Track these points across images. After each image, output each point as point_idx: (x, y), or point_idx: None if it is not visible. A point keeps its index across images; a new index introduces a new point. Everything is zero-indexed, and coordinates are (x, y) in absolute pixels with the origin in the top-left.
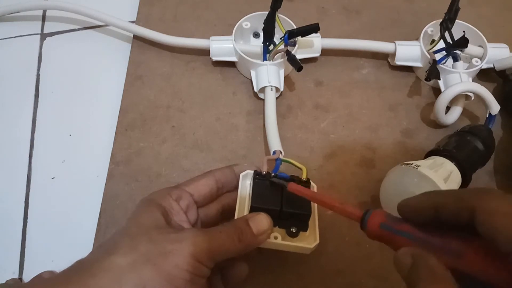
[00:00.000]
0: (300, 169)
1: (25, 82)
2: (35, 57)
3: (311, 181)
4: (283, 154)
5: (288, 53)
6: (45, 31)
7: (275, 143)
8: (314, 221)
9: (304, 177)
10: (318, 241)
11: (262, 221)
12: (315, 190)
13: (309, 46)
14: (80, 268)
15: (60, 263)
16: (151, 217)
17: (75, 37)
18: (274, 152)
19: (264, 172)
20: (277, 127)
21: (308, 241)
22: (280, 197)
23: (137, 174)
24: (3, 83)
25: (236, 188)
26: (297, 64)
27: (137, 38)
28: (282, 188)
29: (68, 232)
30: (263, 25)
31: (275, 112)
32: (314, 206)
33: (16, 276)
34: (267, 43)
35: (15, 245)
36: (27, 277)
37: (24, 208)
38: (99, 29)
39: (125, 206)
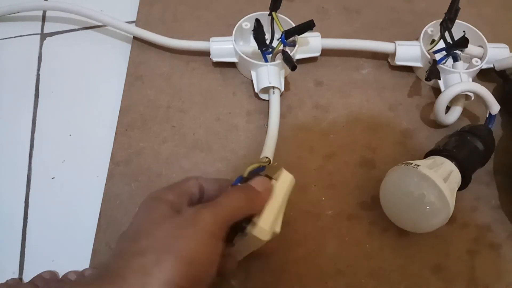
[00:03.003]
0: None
1: (25, 82)
2: (35, 57)
3: (284, 170)
4: (270, 162)
5: (283, 52)
6: (45, 31)
7: (268, 150)
8: (273, 210)
9: (245, 174)
10: (275, 230)
11: (261, 180)
12: (283, 176)
13: (309, 45)
14: (107, 272)
15: (60, 263)
16: (161, 212)
17: (75, 37)
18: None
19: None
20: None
21: (262, 232)
22: None
23: (137, 174)
24: (3, 83)
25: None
26: (291, 63)
27: (137, 38)
28: None
29: (68, 232)
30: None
31: (278, 116)
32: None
33: (16, 276)
34: (263, 48)
35: (15, 245)
36: (27, 277)
37: (24, 208)
38: (99, 29)
39: (125, 206)
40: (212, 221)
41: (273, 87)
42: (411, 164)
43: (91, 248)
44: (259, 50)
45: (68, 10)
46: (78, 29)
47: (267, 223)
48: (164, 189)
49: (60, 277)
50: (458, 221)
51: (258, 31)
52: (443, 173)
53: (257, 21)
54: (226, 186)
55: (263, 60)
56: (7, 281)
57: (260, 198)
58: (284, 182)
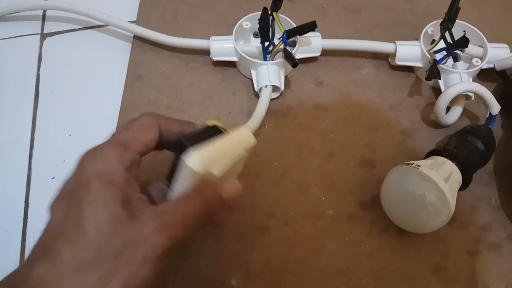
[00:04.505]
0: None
1: (25, 82)
2: (35, 57)
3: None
4: (227, 132)
5: (284, 50)
6: (45, 31)
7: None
8: (216, 148)
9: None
10: (211, 169)
11: (231, 185)
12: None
13: (309, 45)
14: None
15: None
16: (108, 209)
17: (75, 37)
18: None
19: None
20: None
21: (193, 159)
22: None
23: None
24: (3, 83)
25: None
26: (292, 60)
27: (137, 38)
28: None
29: None
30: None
31: (266, 107)
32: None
33: None
34: (266, 44)
35: (15, 245)
36: None
37: (24, 208)
38: (99, 29)
39: None
40: (165, 248)
41: (268, 85)
42: (412, 164)
43: None
44: (259, 50)
45: (69, 9)
46: (78, 29)
47: (202, 153)
48: (112, 158)
49: None
50: (458, 221)
51: (263, 21)
52: (444, 174)
53: (265, 10)
54: (189, 129)
55: (263, 57)
56: None
57: (225, 209)
58: (240, 134)
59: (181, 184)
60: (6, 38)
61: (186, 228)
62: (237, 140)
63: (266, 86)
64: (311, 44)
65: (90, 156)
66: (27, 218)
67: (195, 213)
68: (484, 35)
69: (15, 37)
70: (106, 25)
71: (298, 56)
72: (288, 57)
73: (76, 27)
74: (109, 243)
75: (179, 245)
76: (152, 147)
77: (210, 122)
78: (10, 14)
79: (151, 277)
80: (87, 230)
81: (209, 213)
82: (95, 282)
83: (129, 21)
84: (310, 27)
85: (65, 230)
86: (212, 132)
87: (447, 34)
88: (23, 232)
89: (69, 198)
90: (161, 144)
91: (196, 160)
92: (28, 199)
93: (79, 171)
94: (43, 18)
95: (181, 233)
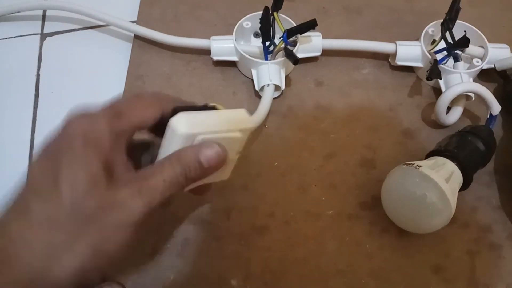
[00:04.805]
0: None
1: (25, 82)
2: (35, 57)
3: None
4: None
5: (285, 48)
6: (45, 31)
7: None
8: (206, 118)
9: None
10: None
11: (215, 151)
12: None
13: (310, 44)
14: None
15: None
16: (86, 170)
17: (75, 37)
18: None
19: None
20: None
21: (179, 121)
22: None
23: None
24: (3, 83)
25: None
26: (293, 57)
27: (137, 38)
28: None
29: None
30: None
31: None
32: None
33: None
34: (267, 43)
35: None
36: None
37: None
38: (99, 29)
39: None
40: (141, 213)
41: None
42: (413, 164)
43: None
44: (259, 50)
45: (69, 9)
46: (78, 29)
47: (189, 117)
48: (103, 122)
49: None
50: (458, 221)
51: (265, 20)
52: (444, 174)
53: (266, 8)
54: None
55: (264, 57)
56: None
57: (204, 175)
58: (237, 112)
59: (166, 148)
60: (6, 38)
61: (162, 193)
62: (232, 117)
63: (268, 85)
64: (311, 44)
65: (80, 114)
66: None
67: (171, 178)
68: (484, 35)
69: (15, 37)
70: (107, 25)
71: (298, 55)
72: (289, 54)
73: (76, 27)
74: (83, 204)
75: (156, 209)
76: (149, 125)
77: (212, 104)
78: (10, 14)
79: (124, 242)
80: (62, 188)
81: (188, 178)
82: (63, 242)
83: (130, 21)
84: (310, 25)
85: (40, 186)
86: (209, 109)
87: (447, 34)
88: None
89: (49, 155)
90: (162, 124)
91: (181, 122)
92: None
93: (65, 128)
94: (43, 18)
95: (157, 198)
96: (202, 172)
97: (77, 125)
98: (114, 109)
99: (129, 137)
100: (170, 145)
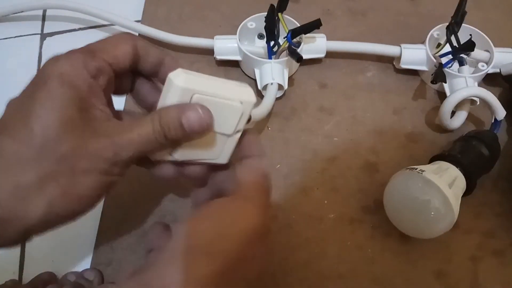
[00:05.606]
0: None
1: (25, 82)
2: (35, 57)
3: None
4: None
5: (289, 47)
6: (45, 31)
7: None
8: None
9: None
10: (194, 88)
11: (196, 115)
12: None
13: (314, 45)
14: None
15: (60, 263)
16: (61, 110)
17: (75, 37)
18: None
19: None
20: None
21: (177, 74)
22: None
23: (139, 175)
24: (3, 83)
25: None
26: (296, 55)
27: (142, 37)
28: None
29: (68, 233)
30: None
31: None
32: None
33: (16, 276)
34: (271, 43)
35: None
36: (27, 277)
37: None
38: (100, 28)
39: (127, 206)
40: (111, 163)
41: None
42: (416, 169)
43: (92, 248)
44: (263, 51)
45: (74, 8)
46: (78, 29)
47: (188, 74)
48: (76, 60)
49: (59, 277)
50: (461, 226)
51: (270, 19)
52: (448, 179)
53: (271, 7)
54: (169, 63)
55: (268, 57)
56: (6, 282)
57: (185, 137)
58: (240, 85)
59: (162, 101)
60: (6, 38)
61: (137, 148)
62: (235, 87)
63: (271, 83)
64: (316, 45)
65: (55, 57)
66: None
67: (148, 133)
68: (490, 39)
69: (15, 37)
70: (111, 24)
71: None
72: (292, 53)
73: (76, 27)
74: (54, 145)
75: (130, 163)
76: (126, 63)
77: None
78: (10, 14)
79: (94, 187)
80: (33, 126)
81: (168, 138)
82: (32, 182)
83: (134, 21)
84: (315, 25)
85: (12, 124)
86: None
87: (453, 37)
88: None
89: (25, 94)
90: (139, 68)
91: (179, 76)
92: None
93: (42, 69)
94: (43, 18)
95: (131, 152)
96: (183, 134)
97: (54, 65)
98: (87, 50)
99: (108, 81)
100: (166, 97)
